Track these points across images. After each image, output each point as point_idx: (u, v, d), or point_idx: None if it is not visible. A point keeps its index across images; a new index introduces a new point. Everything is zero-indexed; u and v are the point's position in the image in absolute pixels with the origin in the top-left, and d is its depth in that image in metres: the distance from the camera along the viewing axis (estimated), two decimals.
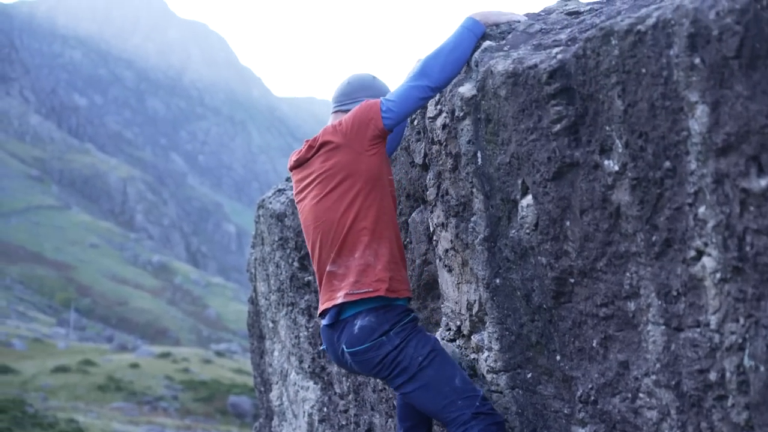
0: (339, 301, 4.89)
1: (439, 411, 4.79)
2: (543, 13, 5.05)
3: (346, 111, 5.25)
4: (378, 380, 6.36)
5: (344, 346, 4.93)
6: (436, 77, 4.79)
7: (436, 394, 4.78)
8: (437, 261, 5.52)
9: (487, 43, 4.82)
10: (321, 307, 5.06)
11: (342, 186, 4.91)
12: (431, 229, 5.56)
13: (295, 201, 5.31)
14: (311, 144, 5.11)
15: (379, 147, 4.95)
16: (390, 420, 6.43)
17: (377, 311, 4.83)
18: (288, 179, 9.58)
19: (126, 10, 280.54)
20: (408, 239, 6.05)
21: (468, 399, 4.71)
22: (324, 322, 5.09)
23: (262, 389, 9.86)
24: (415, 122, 5.69)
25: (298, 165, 5.22)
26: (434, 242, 5.53)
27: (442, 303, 5.60)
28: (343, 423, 7.41)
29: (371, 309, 4.83)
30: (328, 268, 5.00)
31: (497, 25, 5.07)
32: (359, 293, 4.82)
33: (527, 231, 4.29)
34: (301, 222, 5.29)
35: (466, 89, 4.73)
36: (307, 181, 5.11)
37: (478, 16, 5.02)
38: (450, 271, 5.33)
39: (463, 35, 4.89)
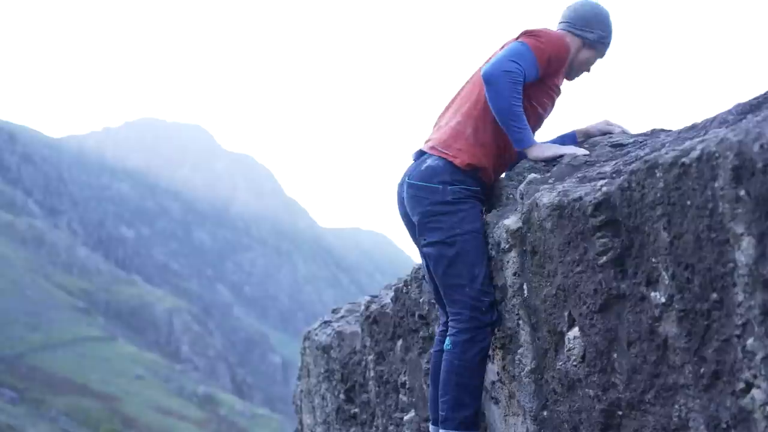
0: (425, 148, 5.38)
1: (447, 288, 5.05)
2: (588, 146, 5.10)
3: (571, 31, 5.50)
4: None
5: (407, 177, 5.37)
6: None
7: (454, 275, 5.02)
8: (484, 393, 5.49)
9: (532, 176, 4.85)
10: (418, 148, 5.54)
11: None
12: None
13: None
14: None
15: None
16: None
17: (448, 162, 5.19)
18: (333, 310, 9.66)
19: (173, 143, 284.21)
20: None
21: (476, 304, 4.94)
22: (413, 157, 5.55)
23: None
24: None
25: None
26: None
27: None
28: None
29: (444, 156, 5.23)
30: (440, 118, 5.54)
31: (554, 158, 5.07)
32: (443, 153, 5.22)
33: (574, 363, 4.27)
34: None
35: (512, 221, 4.77)
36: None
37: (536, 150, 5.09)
38: (497, 403, 5.30)
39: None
